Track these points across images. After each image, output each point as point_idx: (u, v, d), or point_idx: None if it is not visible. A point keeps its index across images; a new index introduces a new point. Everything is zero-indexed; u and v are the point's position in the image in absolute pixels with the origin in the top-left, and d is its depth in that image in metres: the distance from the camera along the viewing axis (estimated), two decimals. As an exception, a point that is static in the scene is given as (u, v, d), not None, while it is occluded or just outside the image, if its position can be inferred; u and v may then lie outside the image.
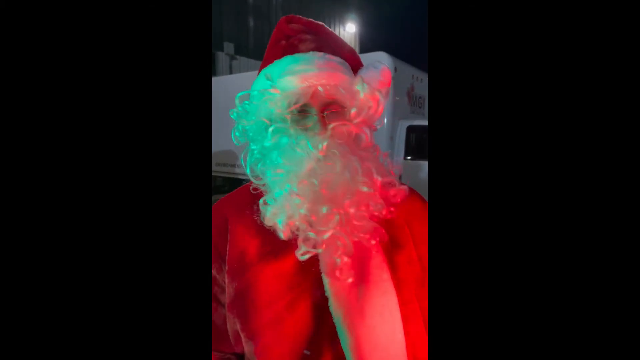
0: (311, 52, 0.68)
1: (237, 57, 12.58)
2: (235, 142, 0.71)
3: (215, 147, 6.96)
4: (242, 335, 0.65)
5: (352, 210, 0.61)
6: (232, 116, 0.70)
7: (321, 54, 0.68)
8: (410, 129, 4.97)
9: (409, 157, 4.97)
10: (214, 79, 7.78)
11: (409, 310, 0.65)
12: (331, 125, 0.64)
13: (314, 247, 0.60)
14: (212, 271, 0.69)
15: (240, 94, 0.71)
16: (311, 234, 0.60)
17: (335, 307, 0.61)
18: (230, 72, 11.70)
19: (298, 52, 0.69)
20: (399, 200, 0.67)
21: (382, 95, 0.71)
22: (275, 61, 0.69)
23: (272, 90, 0.65)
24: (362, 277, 0.63)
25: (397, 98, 5.00)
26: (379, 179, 0.66)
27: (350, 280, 0.61)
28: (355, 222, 0.61)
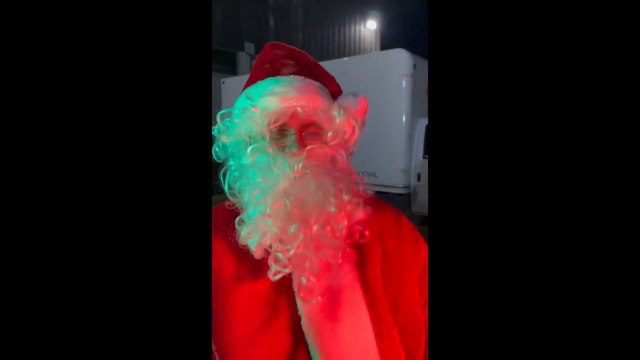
0: (292, 76, 0.71)
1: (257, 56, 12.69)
2: (215, 158, 0.72)
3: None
4: (216, 355, 0.65)
5: (315, 228, 0.62)
6: (213, 132, 0.71)
7: (302, 77, 0.71)
8: (430, 127, 4.89)
9: (427, 156, 4.90)
10: (235, 78, 7.89)
11: (383, 328, 0.64)
12: (309, 147, 0.66)
13: (284, 267, 0.61)
14: None
15: (221, 112, 0.73)
16: (280, 255, 0.61)
17: (307, 327, 0.61)
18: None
19: (280, 75, 0.72)
20: (362, 218, 0.68)
21: (358, 124, 0.74)
22: (257, 82, 0.72)
23: (252, 109, 0.67)
24: (333, 296, 0.63)
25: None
26: (346, 198, 0.66)
27: (318, 299, 0.61)
28: (319, 241, 0.62)
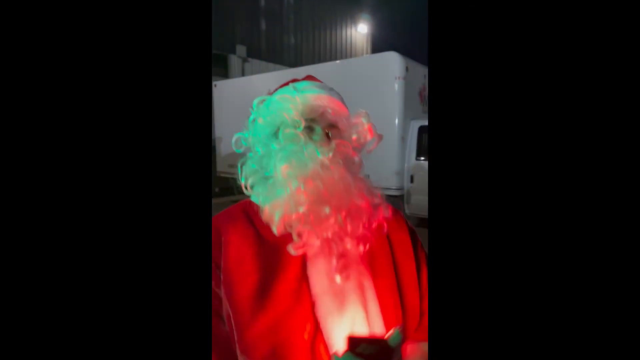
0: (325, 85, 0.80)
1: (250, 59, 12.68)
2: (234, 148, 0.76)
3: (227, 149, 7.02)
4: (237, 346, 0.65)
5: (345, 216, 0.66)
6: (252, 113, 0.77)
7: (333, 91, 0.81)
8: (422, 129, 4.92)
9: (421, 158, 4.93)
10: (227, 82, 7.86)
11: (390, 315, 0.69)
12: (335, 141, 0.72)
13: (306, 243, 0.65)
14: (212, 285, 0.70)
15: (259, 97, 0.79)
16: (309, 227, 0.65)
17: (320, 313, 0.64)
18: (243, 75, 11.80)
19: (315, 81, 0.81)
20: (382, 218, 0.73)
21: (377, 137, 0.81)
22: (295, 83, 0.79)
23: (295, 98, 0.74)
24: (345, 282, 0.67)
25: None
26: (369, 198, 0.71)
27: (340, 280, 0.65)
28: (349, 228, 0.66)
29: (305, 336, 0.64)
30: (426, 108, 5.42)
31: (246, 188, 0.73)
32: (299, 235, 0.65)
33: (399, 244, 0.79)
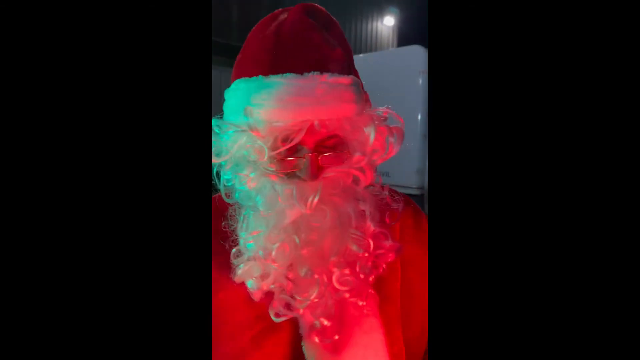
0: (312, 74, 0.52)
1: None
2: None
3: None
4: None
5: (336, 272, 0.53)
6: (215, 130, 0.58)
7: (326, 74, 0.53)
8: (446, 126, 4.78)
9: (442, 155, 4.80)
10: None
11: (395, 350, 0.58)
12: (326, 173, 0.53)
13: (289, 308, 0.53)
14: None
15: (214, 120, 0.58)
16: (288, 299, 0.53)
17: (308, 349, 0.54)
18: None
19: (293, 70, 0.52)
20: (390, 259, 0.57)
21: (396, 140, 0.58)
22: (259, 76, 0.53)
23: (252, 132, 0.51)
24: (345, 330, 0.54)
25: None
26: (372, 227, 0.56)
27: (336, 337, 0.53)
28: (337, 286, 0.53)
29: None
30: (450, 104, 5.25)
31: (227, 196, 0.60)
32: (279, 301, 0.53)
33: (413, 262, 0.62)
